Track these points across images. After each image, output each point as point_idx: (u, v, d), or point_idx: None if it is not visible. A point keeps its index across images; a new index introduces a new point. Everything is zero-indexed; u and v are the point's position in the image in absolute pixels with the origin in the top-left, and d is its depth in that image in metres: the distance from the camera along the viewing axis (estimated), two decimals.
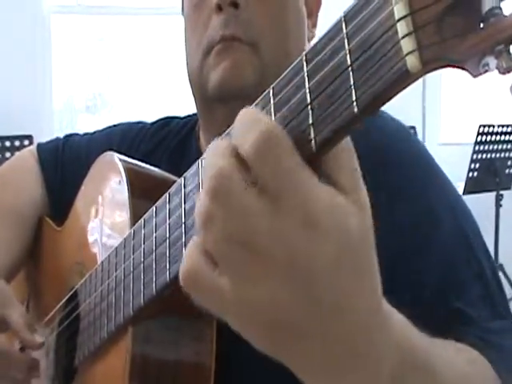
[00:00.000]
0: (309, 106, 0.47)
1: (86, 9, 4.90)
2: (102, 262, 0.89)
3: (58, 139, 1.26)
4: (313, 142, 0.47)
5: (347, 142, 0.48)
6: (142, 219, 0.76)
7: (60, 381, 1.07)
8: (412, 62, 0.40)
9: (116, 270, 0.83)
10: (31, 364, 1.05)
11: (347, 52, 0.44)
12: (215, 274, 0.48)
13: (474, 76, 0.40)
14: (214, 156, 0.48)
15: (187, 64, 0.99)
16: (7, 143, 3.87)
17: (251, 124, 0.46)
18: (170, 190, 0.69)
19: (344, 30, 0.44)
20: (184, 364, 0.82)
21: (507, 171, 4.62)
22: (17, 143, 3.87)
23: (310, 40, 1.00)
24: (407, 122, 1.05)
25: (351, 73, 0.44)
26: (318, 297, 0.47)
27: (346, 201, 0.46)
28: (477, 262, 0.86)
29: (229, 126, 0.53)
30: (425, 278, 0.83)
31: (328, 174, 0.47)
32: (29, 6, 4.49)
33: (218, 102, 0.93)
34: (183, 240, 0.64)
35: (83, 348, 0.95)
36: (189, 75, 0.99)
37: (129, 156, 0.97)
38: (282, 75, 0.50)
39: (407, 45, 0.40)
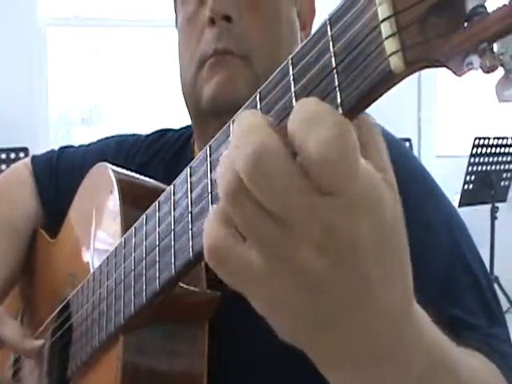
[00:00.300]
0: None
1: (82, 21, 4.92)
2: (94, 272, 0.89)
3: (52, 151, 1.26)
4: None
5: (374, 124, 0.47)
6: (133, 228, 0.77)
7: None
8: (395, 62, 0.40)
9: (107, 279, 0.83)
10: None
11: (332, 54, 0.44)
12: (244, 247, 0.45)
13: (458, 75, 0.40)
14: (252, 128, 0.43)
15: (181, 77, 0.99)
16: (3, 155, 3.87)
17: (318, 118, 0.42)
18: (159, 199, 0.69)
19: (329, 33, 0.45)
20: (176, 371, 0.81)
21: (502, 183, 4.64)
22: (12, 156, 3.87)
23: None
24: (403, 134, 1.05)
25: (336, 75, 0.44)
26: (355, 276, 0.45)
27: (381, 179, 0.45)
28: (472, 274, 0.87)
29: None
30: (422, 291, 0.83)
31: None
32: (25, 18, 4.51)
33: (212, 116, 0.93)
34: (172, 248, 0.64)
35: (76, 358, 0.94)
36: (182, 88, 0.99)
37: (124, 168, 0.97)
38: (269, 79, 0.50)
39: (391, 45, 0.40)
